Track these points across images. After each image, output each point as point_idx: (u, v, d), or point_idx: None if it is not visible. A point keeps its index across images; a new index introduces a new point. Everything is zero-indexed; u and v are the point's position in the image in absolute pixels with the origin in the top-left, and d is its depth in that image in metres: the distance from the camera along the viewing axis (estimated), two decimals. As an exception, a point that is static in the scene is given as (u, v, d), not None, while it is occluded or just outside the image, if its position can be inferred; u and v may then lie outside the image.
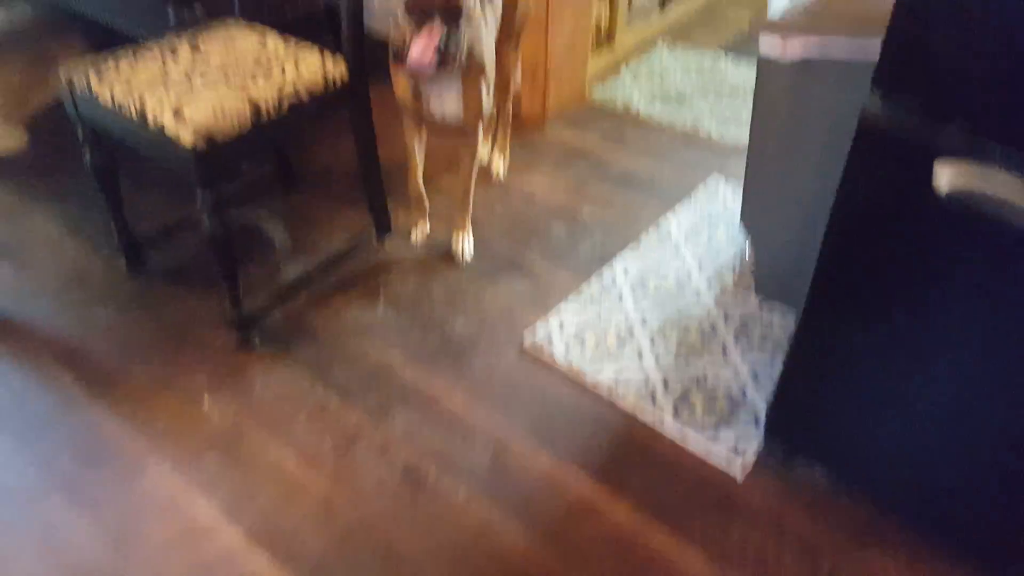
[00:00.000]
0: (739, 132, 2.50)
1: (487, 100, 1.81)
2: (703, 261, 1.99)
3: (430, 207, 2.10)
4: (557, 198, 2.26)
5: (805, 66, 1.41)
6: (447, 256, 2.04)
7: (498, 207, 2.23)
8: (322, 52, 1.72)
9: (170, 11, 1.94)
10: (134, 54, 1.67)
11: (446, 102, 1.77)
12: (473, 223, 2.10)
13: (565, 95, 2.65)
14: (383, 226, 2.05)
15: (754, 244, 1.82)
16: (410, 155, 2.00)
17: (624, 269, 1.98)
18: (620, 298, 1.89)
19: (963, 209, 0.98)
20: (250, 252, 2.03)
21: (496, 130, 2.32)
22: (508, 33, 2.06)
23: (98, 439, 1.57)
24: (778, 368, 1.41)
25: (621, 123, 2.61)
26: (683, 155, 2.43)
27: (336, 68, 1.70)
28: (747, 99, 2.69)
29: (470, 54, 1.69)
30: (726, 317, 1.82)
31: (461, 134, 1.88)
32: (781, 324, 1.79)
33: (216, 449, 1.55)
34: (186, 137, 1.46)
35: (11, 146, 2.43)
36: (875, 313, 1.18)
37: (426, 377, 1.70)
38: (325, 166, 2.37)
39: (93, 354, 1.76)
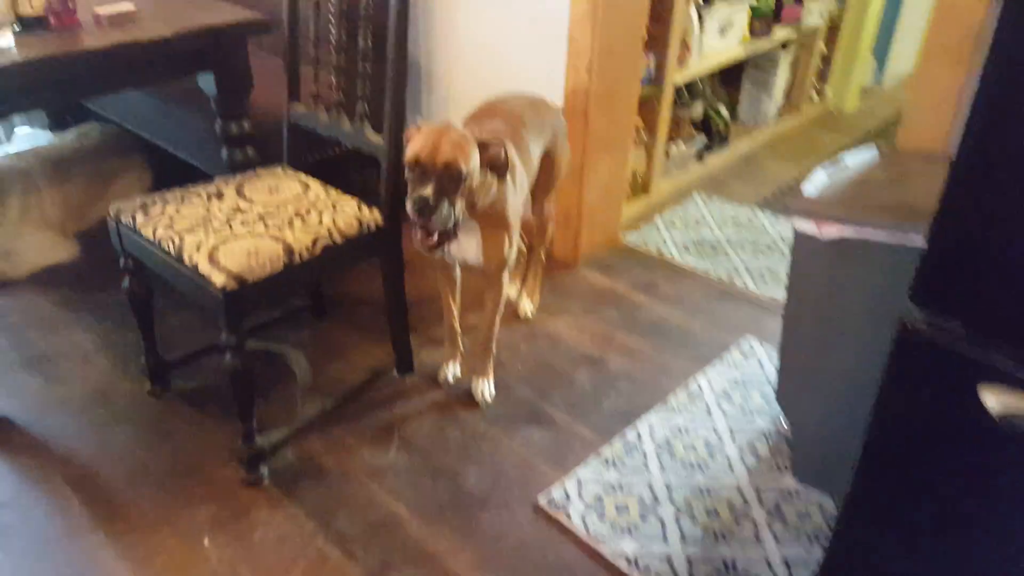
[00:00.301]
0: (776, 289, 2.48)
1: (510, 251, 1.82)
2: (735, 428, 1.92)
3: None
4: (584, 344, 2.23)
5: (843, 245, 1.39)
6: (467, 398, 2.00)
7: (523, 348, 2.20)
8: (359, 202, 1.78)
9: (224, 150, 2.03)
10: (182, 197, 1.74)
11: (466, 249, 1.79)
12: (496, 364, 2.07)
13: (597, 239, 2.68)
14: (404, 366, 2.04)
15: (791, 423, 1.74)
16: (443, 298, 2.01)
17: (650, 429, 1.91)
18: (644, 461, 1.81)
19: (1016, 432, 0.92)
20: (271, 383, 2.03)
21: (528, 270, 2.34)
22: (547, 187, 2.11)
23: (95, 571, 1.52)
24: (815, 561, 1.31)
25: (653, 270, 2.61)
26: (717, 309, 2.40)
27: (371, 216, 1.74)
28: (785, 256, 2.70)
29: (491, 207, 1.71)
30: (759, 495, 1.72)
31: (486, 278, 1.89)
32: (819, 511, 1.68)
33: (207, 599, 1.48)
34: (218, 279, 1.48)
35: (62, 258, 2.52)
36: (922, 522, 1.10)
37: (433, 533, 1.63)
38: (357, 297, 2.39)
39: (104, 478, 1.74)
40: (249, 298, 1.53)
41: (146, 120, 2.60)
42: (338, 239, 1.67)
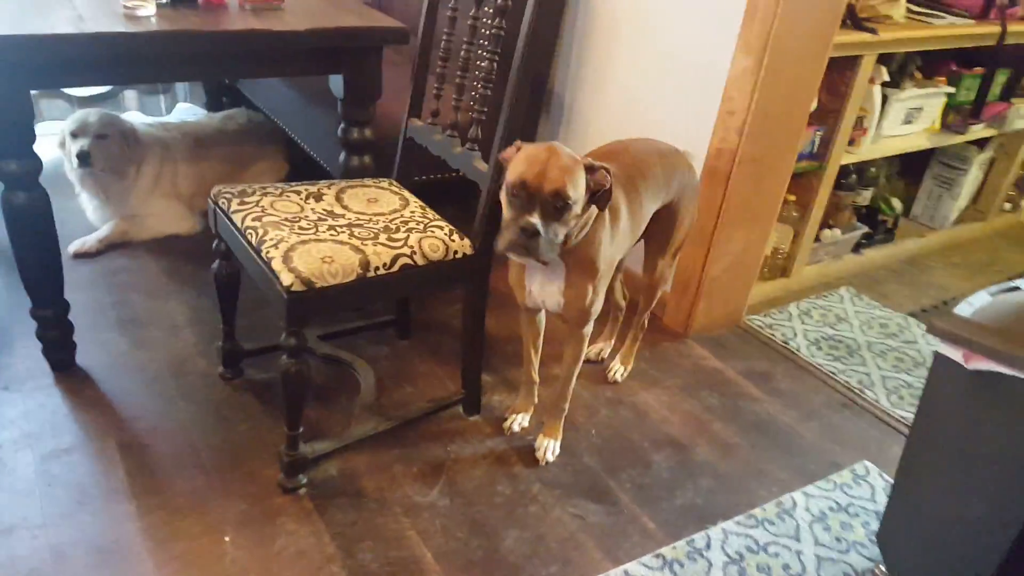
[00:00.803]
0: (911, 413, 2.13)
1: (594, 301, 1.66)
2: (824, 558, 1.62)
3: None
4: (672, 425, 2.00)
5: (991, 378, 1.12)
6: (527, 453, 1.84)
7: (603, 413, 2.02)
8: (453, 228, 1.70)
9: (342, 154, 2.03)
10: (282, 192, 1.74)
11: (547, 292, 1.64)
12: (568, 425, 1.91)
13: (717, 314, 2.44)
14: (471, 405, 1.92)
15: (889, 568, 1.44)
16: (524, 343, 1.88)
17: (723, 537, 1.66)
18: (708, 572, 1.57)
19: None
20: (334, 391, 1.98)
21: (627, 331, 2.16)
22: (664, 245, 1.93)
23: (115, 543, 1.51)
24: None
25: (773, 360, 2.33)
26: (836, 419, 2.09)
27: (461, 244, 1.65)
28: (930, 375, 2.33)
29: (581, 247, 1.57)
30: (831, 648, 1.43)
31: (566, 327, 1.74)
32: None
33: (203, 602, 1.41)
34: (286, 277, 1.44)
35: (184, 230, 2.64)
36: None
37: (450, 595, 1.48)
38: (445, 325, 2.31)
39: (153, 451, 1.74)
40: (314, 303, 1.47)
41: (287, 113, 2.70)
42: (419, 261, 1.59)
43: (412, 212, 1.75)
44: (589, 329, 1.72)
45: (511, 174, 1.45)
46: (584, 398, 2.06)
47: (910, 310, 2.69)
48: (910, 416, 2.09)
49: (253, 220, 1.60)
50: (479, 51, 1.74)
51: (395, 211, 1.74)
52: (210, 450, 1.77)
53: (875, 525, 1.71)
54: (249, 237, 1.57)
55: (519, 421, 1.92)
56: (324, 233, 1.59)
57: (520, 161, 1.45)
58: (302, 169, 2.79)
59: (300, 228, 1.59)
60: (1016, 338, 1.07)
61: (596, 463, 1.85)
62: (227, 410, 1.89)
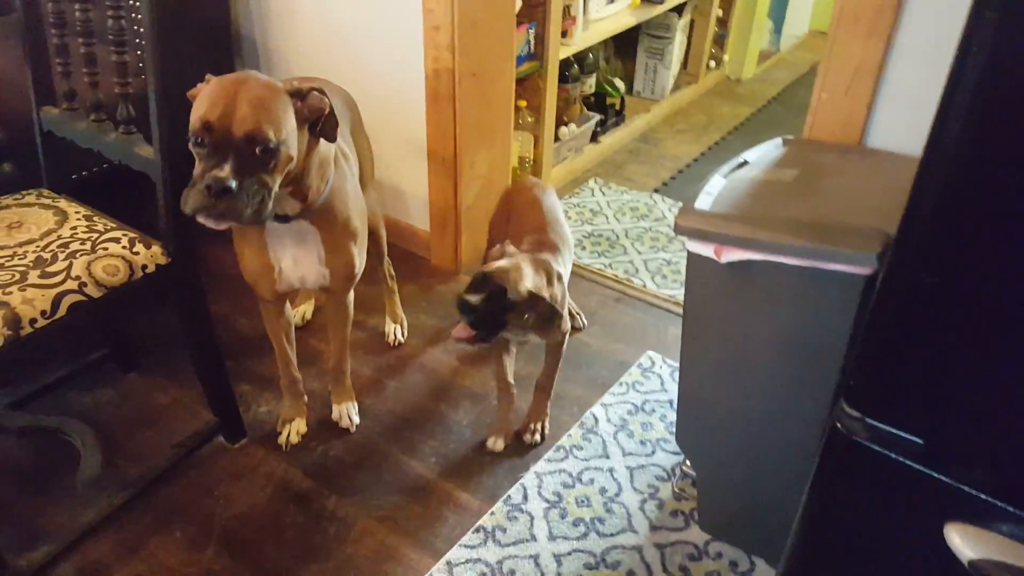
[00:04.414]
0: (677, 291, 2.18)
1: (361, 262, 1.47)
2: (635, 470, 1.60)
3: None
4: (465, 376, 1.87)
5: (745, 267, 1.08)
6: (314, 464, 1.62)
7: (390, 388, 1.83)
8: (136, 235, 1.35)
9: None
10: None
11: (305, 268, 1.40)
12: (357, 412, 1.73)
13: (481, 243, 2.31)
14: (232, 431, 1.63)
15: (696, 469, 1.43)
16: (276, 343, 1.61)
17: (538, 482, 1.58)
18: (531, 528, 1.48)
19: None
20: (48, 472, 1.57)
21: (381, 288, 1.97)
22: (363, 180, 1.72)
23: None
24: None
25: (544, 275, 2.26)
26: (613, 317, 2.08)
27: (149, 254, 1.32)
28: (685, 248, 2.41)
29: (329, 203, 1.34)
30: (664, 561, 1.42)
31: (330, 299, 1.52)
32: (732, 571, 1.39)
33: None
34: None
35: None
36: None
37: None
38: (175, 331, 1.93)
39: None
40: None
41: None
42: (94, 292, 1.24)
43: (74, 228, 1.37)
44: (352, 293, 1.52)
45: (192, 116, 1.14)
46: (367, 374, 1.85)
47: (653, 187, 2.77)
48: (676, 294, 2.15)
49: None
50: (100, 5, 1.35)
51: (49, 232, 1.35)
52: None
53: (672, 416, 1.73)
54: None
55: (295, 429, 1.67)
56: (-53, 292, 1.18)
57: (202, 100, 1.14)
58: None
59: (-92, 295, 1.17)
60: (761, 222, 1.03)
61: (394, 448, 1.67)
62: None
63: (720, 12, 3.45)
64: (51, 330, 1.19)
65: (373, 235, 1.76)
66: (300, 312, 2.00)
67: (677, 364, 1.86)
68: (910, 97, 1.24)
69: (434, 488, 1.57)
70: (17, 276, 1.22)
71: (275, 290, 1.45)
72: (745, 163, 1.22)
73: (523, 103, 2.52)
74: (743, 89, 3.62)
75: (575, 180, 2.79)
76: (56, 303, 1.20)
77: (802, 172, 1.18)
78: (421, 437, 1.70)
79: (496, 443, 1.66)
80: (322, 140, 1.26)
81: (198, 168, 1.14)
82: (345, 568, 1.41)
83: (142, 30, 1.31)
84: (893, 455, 0.61)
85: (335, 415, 1.70)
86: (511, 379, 1.68)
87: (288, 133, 1.16)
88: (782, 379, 1.13)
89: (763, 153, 1.26)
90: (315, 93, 1.21)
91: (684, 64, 3.45)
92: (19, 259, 1.27)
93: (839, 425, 0.64)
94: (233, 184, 1.10)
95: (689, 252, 1.12)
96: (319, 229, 1.36)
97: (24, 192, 1.50)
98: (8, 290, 1.18)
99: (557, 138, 2.72)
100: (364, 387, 1.81)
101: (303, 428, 1.68)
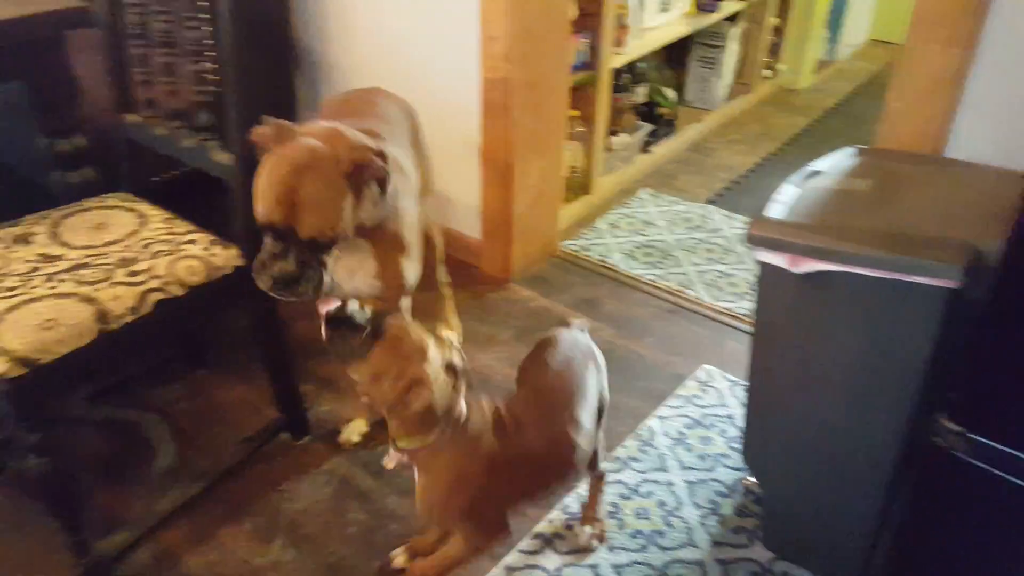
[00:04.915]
0: (731, 300, 2.17)
1: (414, 271, 1.49)
2: (695, 484, 1.59)
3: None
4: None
5: (820, 278, 1.07)
6: (375, 464, 1.64)
7: (446, 393, 1.85)
8: (213, 238, 1.40)
9: (53, 174, 1.62)
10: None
11: (358, 280, 1.43)
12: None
13: (532, 251, 2.33)
14: (297, 427, 1.67)
15: (762, 486, 1.42)
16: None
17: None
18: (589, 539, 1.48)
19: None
20: (126, 462, 1.64)
21: (434, 295, 1.99)
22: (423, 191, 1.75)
23: None
24: None
25: (596, 283, 2.27)
26: (668, 329, 2.07)
27: (226, 256, 1.37)
28: (743, 262, 2.39)
29: (383, 225, 1.36)
30: (726, 573, 1.41)
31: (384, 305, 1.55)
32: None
33: None
34: (-6, 364, 1.09)
35: None
36: None
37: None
38: (242, 331, 1.96)
39: None
40: (46, 384, 1.15)
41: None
42: (177, 291, 1.29)
43: (155, 230, 1.42)
44: (409, 299, 1.55)
45: (255, 203, 1.17)
46: (419, 380, 1.88)
47: (706, 198, 2.75)
48: (733, 307, 2.13)
49: (-67, 296, 1.21)
50: (179, 18, 1.40)
51: (132, 233, 1.41)
52: (-23, 583, 1.40)
53: (732, 432, 1.71)
54: (-68, 321, 1.19)
55: (356, 429, 1.70)
56: (40, 288, 1.23)
57: (262, 188, 1.16)
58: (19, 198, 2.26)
59: (6, 290, 1.23)
60: (838, 232, 1.02)
61: (448, 449, 1.69)
62: (-8, 525, 1.51)
63: (775, 21, 3.42)
64: (137, 326, 1.24)
65: (429, 243, 1.78)
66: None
67: (736, 378, 1.86)
68: (996, 107, 1.22)
69: (492, 492, 1.59)
70: (105, 274, 1.27)
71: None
72: (817, 172, 1.22)
73: (575, 112, 2.53)
74: (799, 99, 3.58)
75: (625, 190, 2.79)
76: (141, 301, 1.24)
77: (878, 182, 1.17)
78: (477, 441, 1.71)
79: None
80: None
81: (265, 249, 1.19)
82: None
83: (214, 41, 1.35)
84: (996, 471, 0.60)
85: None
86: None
87: (346, 221, 1.20)
88: (856, 394, 1.12)
89: (835, 162, 1.25)
90: (372, 166, 1.21)
91: (737, 74, 3.43)
92: (105, 258, 1.33)
93: (938, 440, 0.63)
94: (299, 272, 1.18)
95: (761, 263, 1.12)
96: (372, 245, 1.38)
97: (105, 196, 1.56)
98: (98, 287, 1.24)
99: (608, 148, 2.73)
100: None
101: (364, 428, 1.71)
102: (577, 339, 1.35)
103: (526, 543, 1.47)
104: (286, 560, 1.44)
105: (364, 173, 1.20)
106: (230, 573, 1.42)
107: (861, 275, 1.02)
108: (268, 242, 1.19)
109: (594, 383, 1.32)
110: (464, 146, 2.16)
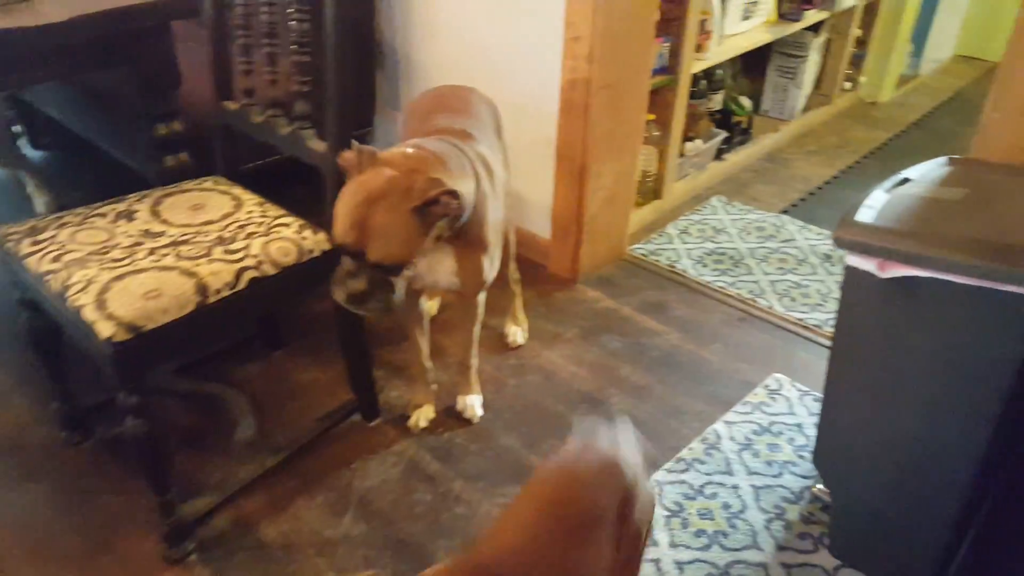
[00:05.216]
0: (804, 311, 2.13)
1: (493, 269, 1.53)
2: (761, 489, 1.58)
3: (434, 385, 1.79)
4: (582, 380, 1.90)
5: (908, 284, 1.06)
6: (441, 450, 1.69)
7: (511, 385, 1.88)
8: (303, 223, 1.46)
9: (152, 156, 1.72)
10: (83, 219, 1.43)
11: (438, 273, 1.48)
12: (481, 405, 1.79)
13: (600, 253, 2.34)
14: (369, 410, 1.73)
15: (831, 490, 1.40)
16: (410, 334, 1.70)
17: (658, 490, 1.58)
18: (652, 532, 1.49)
19: None
20: (208, 433, 1.72)
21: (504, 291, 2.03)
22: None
23: None
24: None
25: (664, 288, 2.27)
26: (737, 337, 2.06)
27: (316, 240, 1.43)
28: (816, 273, 2.35)
29: (464, 229, 1.40)
30: (787, 578, 1.40)
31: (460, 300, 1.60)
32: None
33: None
34: (103, 328, 1.17)
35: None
36: None
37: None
38: (316, 318, 2.05)
39: (4, 549, 1.44)
40: (148, 349, 1.22)
41: (85, 119, 2.30)
42: (270, 270, 1.36)
43: (249, 212, 1.50)
44: (484, 293, 1.60)
45: (334, 225, 1.26)
46: (488, 371, 1.92)
47: (781, 207, 2.71)
48: (805, 318, 2.10)
49: (52, 262, 1.31)
50: (284, 11, 1.48)
51: (227, 215, 1.48)
52: (72, 534, 1.49)
53: (800, 440, 1.69)
54: (49, 284, 1.28)
55: (424, 415, 1.75)
56: (143, 260, 1.32)
57: (340, 212, 1.25)
58: (115, 181, 2.40)
59: (112, 260, 1.31)
60: (929, 238, 1.01)
61: (514, 441, 1.72)
62: (83, 481, 1.60)
63: (859, 32, 3.35)
64: (232, 301, 1.31)
65: (504, 240, 1.82)
66: (429, 306, 2.09)
67: (807, 388, 1.84)
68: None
69: (555, 485, 1.61)
70: (204, 251, 1.35)
71: (410, 287, 1.54)
72: (907, 180, 1.20)
73: (652, 116, 2.53)
74: (879, 113, 3.50)
75: (697, 197, 2.77)
76: (238, 277, 1.32)
77: (972, 191, 1.15)
78: (540, 434, 1.74)
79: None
80: None
81: (342, 267, 1.28)
82: (472, 544, 1.47)
83: (315, 35, 1.42)
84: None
85: (459, 405, 1.77)
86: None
87: (414, 249, 1.27)
88: (937, 404, 1.10)
89: (927, 171, 1.23)
90: (442, 201, 1.25)
91: (816, 84, 3.37)
92: (204, 236, 1.41)
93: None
94: (369, 291, 1.26)
95: (847, 266, 1.11)
96: (453, 245, 1.43)
97: (201, 180, 1.65)
98: (198, 262, 1.31)
99: (681, 153, 2.72)
100: (485, 383, 1.87)
101: (432, 414, 1.76)
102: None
103: (588, 537, 1.48)
104: (356, 533, 1.50)
105: (434, 209, 1.25)
106: (303, 542, 1.48)
107: (950, 282, 1.00)
108: (345, 260, 1.27)
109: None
110: (539, 145, 2.19)
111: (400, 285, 1.29)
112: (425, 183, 1.23)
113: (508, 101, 2.15)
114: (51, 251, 1.33)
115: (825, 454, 1.31)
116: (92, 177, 2.68)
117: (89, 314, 1.19)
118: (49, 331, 1.51)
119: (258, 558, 1.45)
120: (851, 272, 1.11)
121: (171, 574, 1.42)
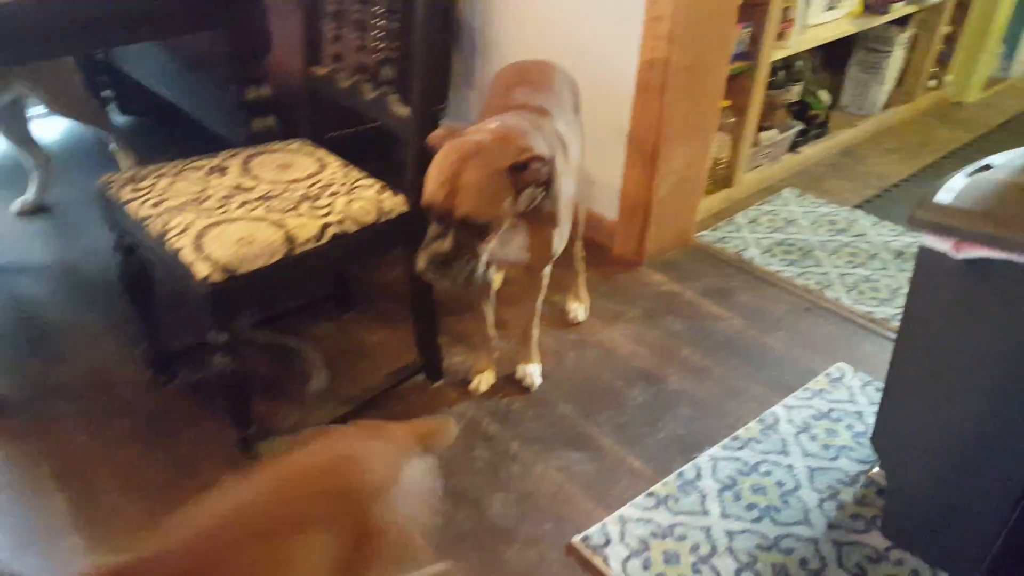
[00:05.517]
0: (872, 305, 2.10)
1: (561, 245, 1.57)
2: (816, 470, 1.59)
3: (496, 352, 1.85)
4: (641, 358, 1.93)
5: (983, 267, 1.05)
6: (499, 412, 1.75)
7: (570, 358, 1.92)
8: (383, 185, 1.53)
9: (241, 119, 1.82)
10: (179, 170, 1.54)
11: (508, 249, 1.52)
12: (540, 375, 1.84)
13: (667, 237, 2.35)
14: (432, 371, 1.80)
15: (887, 472, 1.40)
16: (477, 304, 1.76)
17: (712, 464, 1.60)
18: (703, 502, 1.51)
19: None
20: (282, 380, 1.82)
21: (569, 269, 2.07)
22: None
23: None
24: None
25: (729, 275, 2.27)
26: (801, 326, 2.05)
27: (394, 202, 1.50)
28: (886, 268, 2.31)
29: (537, 209, 1.44)
30: (840, 557, 1.40)
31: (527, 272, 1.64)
32: (914, 585, 1.35)
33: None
34: (201, 268, 1.27)
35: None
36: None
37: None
38: (386, 284, 2.14)
39: (92, 476, 1.57)
40: (240, 292, 1.31)
41: (173, 82, 2.43)
42: (351, 227, 1.43)
43: (333, 173, 1.58)
44: (550, 267, 1.64)
45: (424, 188, 1.30)
46: (548, 344, 1.96)
47: (855, 203, 2.67)
48: (873, 311, 2.07)
49: (151, 207, 1.41)
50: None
51: (313, 175, 1.57)
52: (155, 466, 1.60)
53: (859, 427, 1.69)
54: (149, 229, 1.38)
55: (486, 380, 1.81)
56: (236, 211, 1.41)
57: (431, 174, 1.30)
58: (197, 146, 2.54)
59: (208, 209, 1.41)
60: (1007, 220, 1.00)
61: (571, 410, 1.76)
62: (167, 419, 1.72)
63: (948, 29, 3.24)
64: (315, 254, 1.39)
65: (572, 218, 1.86)
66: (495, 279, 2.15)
67: (870, 378, 1.82)
68: None
69: (608, 451, 1.65)
70: (292, 206, 1.43)
71: None
72: (989, 167, 1.19)
73: (728, 102, 2.52)
74: (964, 113, 3.38)
75: (768, 188, 2.75)
76: (322, 231, 1.39)
77: (1055, 177, 1.13)
78: (597, 406, 1.77)
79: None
80: None
81: (430, 232, 1.32)
82: (525, 501, 1.52)
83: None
84: None
85: (519, 374, 1.82)
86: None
87: (503, 209, 1.30)
88: (1004, 391, 1.09)
89: (1011, 158, 1.21)
90: (534, 162, 1.29)
91: (899, 81, 3.28)
92: (290, 192, 1.49)
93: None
94: (454, 255, 1.28)
95: (921, 248, 1.11)
96: (526, 219, 1.47)
97: (288, 141, 1.74)
98: (286, 215, 1.40)
99: (755, 143, 2.70)
100: (545, 355, 1.91)
101: (492, 379, 1.82)
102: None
103: (641, 499, 1.52)
104: (416, 485, 1.57)
105: (525, 175, 1.29)
106: (366, 489, 1.56)
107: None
108: (432, 226, 1.31)
109: None
110: (611, 126, 2.21)
111: (484, 254, 1.33)
112: (519, 147, 1.28)
113: (583, 80, 2.15)
114: (150, 198, 1.43)
115: (884, 436, 1.31)
116: (174, 142, 2.83)
117: (187, 256, 1.28)
118: (142, 275, 1.63)
119: (324, 501, 1.53)
120: (924, 254, 1.11)
121: (244, 508, 1.51)
